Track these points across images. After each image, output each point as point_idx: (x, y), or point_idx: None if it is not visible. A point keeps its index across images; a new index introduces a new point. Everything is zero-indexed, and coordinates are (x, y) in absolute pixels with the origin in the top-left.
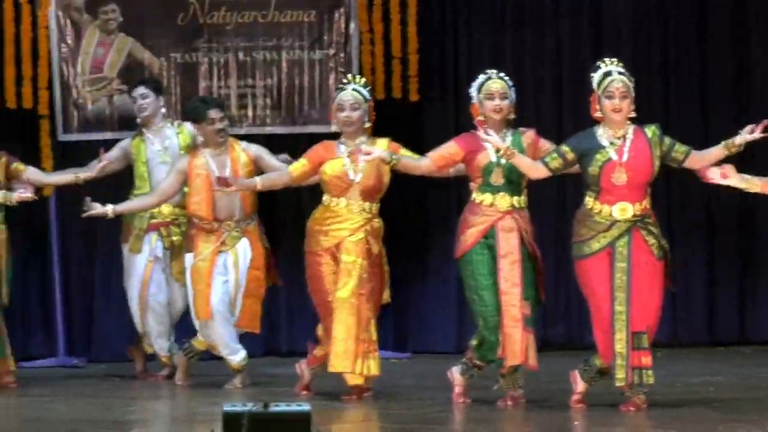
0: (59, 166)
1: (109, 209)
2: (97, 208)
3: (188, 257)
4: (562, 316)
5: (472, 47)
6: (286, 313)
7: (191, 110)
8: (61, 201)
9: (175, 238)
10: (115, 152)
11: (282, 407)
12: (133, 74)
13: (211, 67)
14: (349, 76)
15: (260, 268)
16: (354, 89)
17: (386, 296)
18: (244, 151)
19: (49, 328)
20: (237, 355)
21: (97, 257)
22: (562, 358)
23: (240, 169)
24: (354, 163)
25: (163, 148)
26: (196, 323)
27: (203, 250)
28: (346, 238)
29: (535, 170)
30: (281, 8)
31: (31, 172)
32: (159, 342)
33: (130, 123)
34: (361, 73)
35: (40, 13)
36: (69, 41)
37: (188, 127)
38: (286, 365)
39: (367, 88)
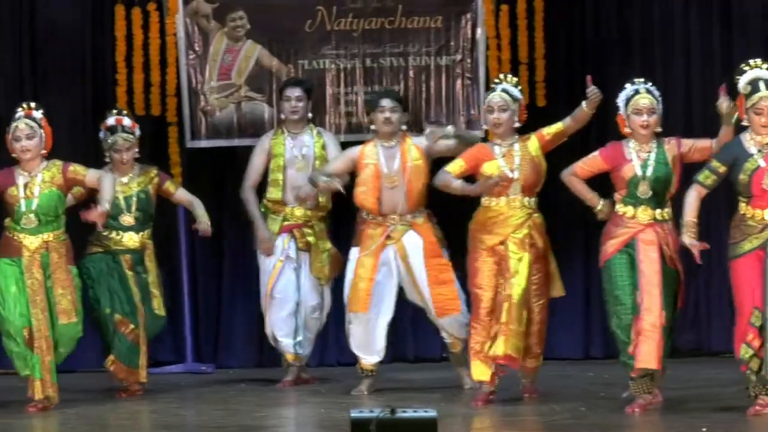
0: (186, 172)
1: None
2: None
3: (353, 251)
4: (691, 323)
5: (601, 51)
6: (413, 320)
7: (367, 99)
8: (190, 210)
9: (309, 239)
10: (258, 159)
11: (409, 413)
12: (260, 81)
13: (338, 73)
14: (501, 76)
15: (438, 255)
16: (503, 90)
17: (559, 289)
18: (415, 146)
19: (177, 335)
20: (371, 357)
21: (224, 265)
22: (690, 364)
23: (409, 162)
24: (509, 162)
25: (300, 155)
26: (347, 315)
27: (369, 245)
28: (510, 234)
29: (699, 197)
30: (408, 14)
31: (179, 194)
32: (284, 340)
33: (257, 130)
34: (488, 80)
35: (168, 20)
36: (197, 48)
37: (326, 136)
38: (413, 371)
39: (518, 88)
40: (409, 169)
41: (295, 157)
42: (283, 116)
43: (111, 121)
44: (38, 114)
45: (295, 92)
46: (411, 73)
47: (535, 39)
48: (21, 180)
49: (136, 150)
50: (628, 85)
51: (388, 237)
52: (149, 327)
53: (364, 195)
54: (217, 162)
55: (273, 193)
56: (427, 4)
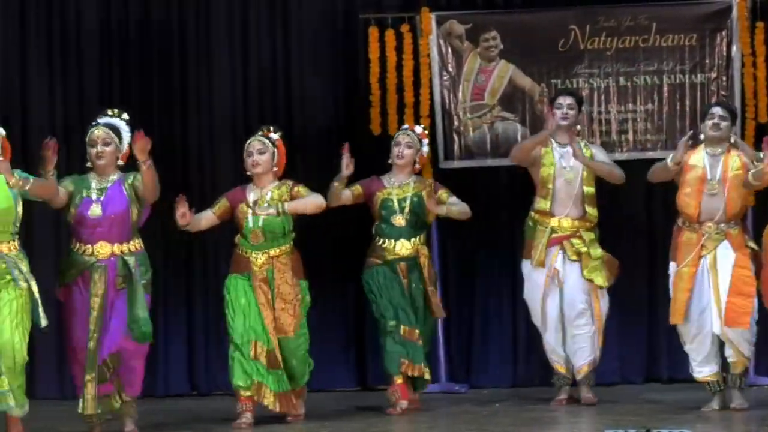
0: None
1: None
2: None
3: (672, 265)
4: None
5: None
6: (667, 340)
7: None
8: (441, 229)
9: (579, 248)
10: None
11: None
12: (513, 101)
13: (591, 92)
14: None
15: (746, 267)
16: None
17: None
18: (739, 157)
19: (431, 355)
20: (704, 368)
21: (476, 284)
22: None
23: (730, 171)
24: None
25: (568, 166)
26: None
27: (686, 257)
28: None
29: None
30: (662, 32)
31: (451, 201)
32: (557, 350)
33: (509, 150)
34: (743, 97)
35: (421, 41)
36: (450, 69)
37: (593, 147)
38: (667, 391)
39: None
40: (730, 178)
41: (563, 168)
42: (551, 127)
43: (404, 126)
44: (275, 135)
45: (567, 100)
46: (665, 91)
47: None
48: (252, 196)
49: (416, 156)
50: None
51: (703, 247)
52: (425, 329)
53: (687, 198)
54: (470, 183)
55: (541, 203)
56: (681, 22)
